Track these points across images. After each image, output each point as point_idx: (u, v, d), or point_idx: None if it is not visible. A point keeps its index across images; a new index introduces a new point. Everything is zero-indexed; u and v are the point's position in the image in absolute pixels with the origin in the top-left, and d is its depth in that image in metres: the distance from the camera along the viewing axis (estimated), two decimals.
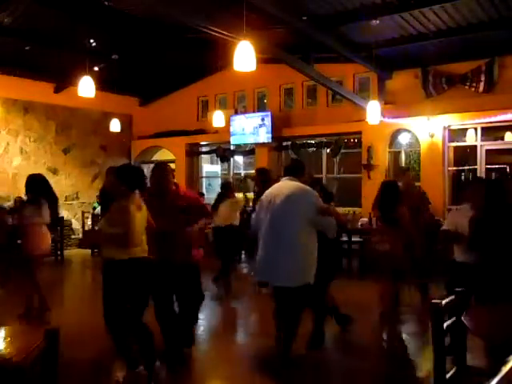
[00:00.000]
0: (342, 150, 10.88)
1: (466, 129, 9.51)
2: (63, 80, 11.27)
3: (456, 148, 9.76)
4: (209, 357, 4.71)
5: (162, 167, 4.35)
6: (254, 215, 4.52)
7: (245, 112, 12.04)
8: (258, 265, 4.33)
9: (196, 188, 12.97)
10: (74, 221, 12.44)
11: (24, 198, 6.68)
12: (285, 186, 4.26)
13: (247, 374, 4.19)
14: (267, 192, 4.35)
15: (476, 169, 9.33)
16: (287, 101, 11.79)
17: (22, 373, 2.14)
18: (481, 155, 9.30)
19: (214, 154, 13.13)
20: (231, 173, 12.99)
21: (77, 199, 12.72)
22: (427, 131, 9.51)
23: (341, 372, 4.31)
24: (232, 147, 12.32)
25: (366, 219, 8.79)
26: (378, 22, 7.46)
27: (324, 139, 11.04)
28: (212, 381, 4.31)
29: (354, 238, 8.63)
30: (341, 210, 9.46)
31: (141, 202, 3.85)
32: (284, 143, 11.66)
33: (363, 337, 5.11)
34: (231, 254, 7.76)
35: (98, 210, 10.16)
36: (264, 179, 6.07)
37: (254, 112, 11.80)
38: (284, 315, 4.25)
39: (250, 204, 8.69)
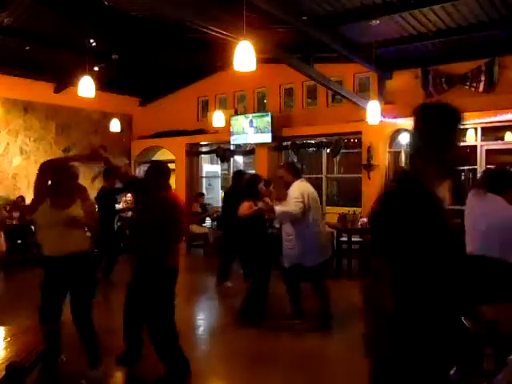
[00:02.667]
0: (342, 150, 10.88)
1: (466, 129, 9.50)
2: (63, 80, 11.27)
3: None
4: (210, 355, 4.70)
5: None
6: (297, 207, 5.09)
7: (245, 112, 12.03)
8: (315, 249, 5.16)
9: (196, 188, 12.98)
10: None
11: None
12: (309, 185, 5.38)
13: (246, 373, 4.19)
14: (306, 189, 5.20)
15: (476, 169, 9.33)
16: (287, 101, 11.78)
17: (22, 373, 2.14)
18: (481, 155, 9.30)
19: (214, 154, 13.13)
20: (231, 173, 12.97)
21: None
22: None
23: (340, 371, 4.31)
24: (232, 147, 12.32)
25: (365, 219, 8.77)
26: (378, 22, 7.46)
27: (324, 139, 11.03)
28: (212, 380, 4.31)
29: (354, 238, 8.61)
30: (341, 209, 9.52)
31: None
32: (284, 143, 11.65)
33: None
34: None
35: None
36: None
37: (254, 112, 11.80)
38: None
39: None
